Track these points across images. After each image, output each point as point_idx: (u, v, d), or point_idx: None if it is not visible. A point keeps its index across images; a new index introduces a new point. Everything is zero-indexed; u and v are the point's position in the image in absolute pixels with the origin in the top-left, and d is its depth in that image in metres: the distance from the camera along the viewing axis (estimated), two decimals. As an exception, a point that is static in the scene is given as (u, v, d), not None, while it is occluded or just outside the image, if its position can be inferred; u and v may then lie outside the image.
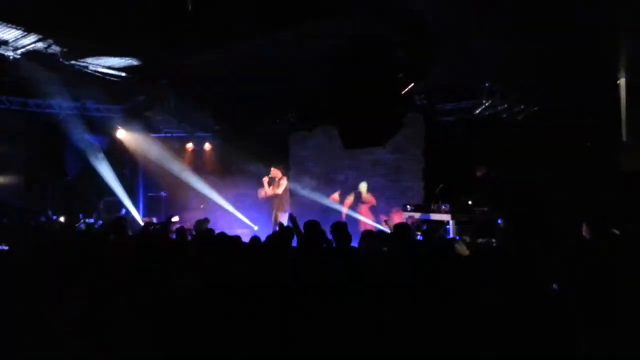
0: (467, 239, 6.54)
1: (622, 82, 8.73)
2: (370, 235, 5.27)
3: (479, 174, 9.75)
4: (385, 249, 4.97)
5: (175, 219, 6.16)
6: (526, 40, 7.23)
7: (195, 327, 3.34)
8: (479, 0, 6.15)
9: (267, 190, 10.62)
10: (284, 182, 10.85)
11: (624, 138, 8.84)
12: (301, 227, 6.34)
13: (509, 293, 3.52)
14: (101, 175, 12.36)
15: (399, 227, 5.57)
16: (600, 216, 6.49)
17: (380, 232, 6.16)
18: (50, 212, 9.76)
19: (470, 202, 9.05)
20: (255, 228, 12.31)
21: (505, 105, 9.45)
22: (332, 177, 13.20)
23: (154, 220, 11.61)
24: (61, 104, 11.61)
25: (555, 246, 5.03)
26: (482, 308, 3.15)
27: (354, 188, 12.73)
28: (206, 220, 7.16)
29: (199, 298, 3.77)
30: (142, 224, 6.10)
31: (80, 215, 10.57)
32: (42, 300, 3.44)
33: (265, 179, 10.73)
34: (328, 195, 12.58)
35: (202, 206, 13.74)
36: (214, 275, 4.17)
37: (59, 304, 3.56)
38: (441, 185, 9.57)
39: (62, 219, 9.63)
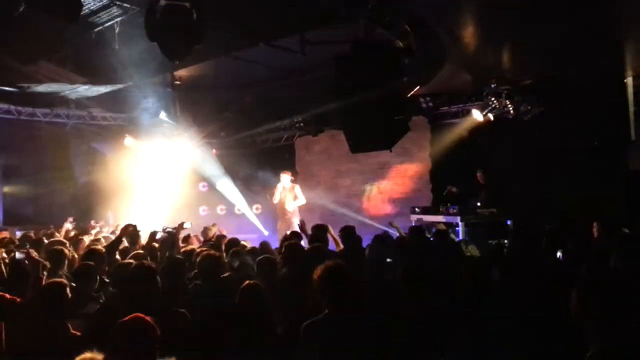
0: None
1: (629, 80, 8.71)
2: (380, 242, 5.25)
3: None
4: (389, 259, 4.91)
5: (187, 225, 6.15)
6: (532, 40, 7.22)
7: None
8: (483, 2, 6.16)
9: (282, 200, 10.39)
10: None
11: (632, 137, 8.81)
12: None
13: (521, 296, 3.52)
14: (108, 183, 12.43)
15: (414, 231, 5.59)
16: (611, 215, 6.48)
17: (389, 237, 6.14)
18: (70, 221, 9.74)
19: (478, 204, 9.04)
20: (266, 233, 12.32)
21: (511, 106, 9.43)
22: (337, 181, 13.21)
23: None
24: (69, 113, 11.68)
25: (564, 246, 5.01)
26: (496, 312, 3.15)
27: (362, 192, 12.76)
28: (214, 226, 7.17)
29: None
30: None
31: (92, 222, 10.59)
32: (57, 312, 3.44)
33: (278, 188, 10.54)
34: (335, 199, 12.63)
35: (207, 211, 13.83)
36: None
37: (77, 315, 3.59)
38: (451, 188, 9.55)
39: (68, 226, 9.60)
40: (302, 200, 10.52)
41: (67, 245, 5.77)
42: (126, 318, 2.58)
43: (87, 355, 2.16)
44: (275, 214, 11.74)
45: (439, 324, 3.11)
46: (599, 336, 2.11)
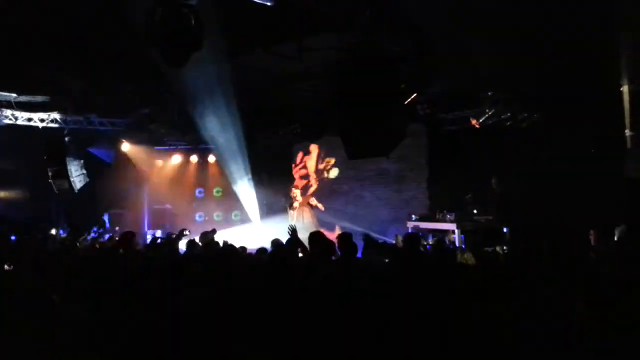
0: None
1: (625, 89, 8.73)
2: (375, 246, 5.26)
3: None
4: (387, 260, 4.93)
5: (187, 232, 6.15)
6: (530, 48, 7.25)
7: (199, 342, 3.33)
8: (479, 11, 6.18)
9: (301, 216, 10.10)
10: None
11: (628, 145, 8.82)
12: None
13: (515, 302, 3.51)
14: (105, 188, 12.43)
15: (409, 238, 5.58)
16: (607, 223, 6.49)
17: (385, 243, 6.14)
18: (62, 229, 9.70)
19: (475, 211, 9.03)
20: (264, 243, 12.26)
21: (509, 114, 9.45)
22: (335, 187, 13.20)
23: (159, 233, 11.60)
24: (66, 118, 11.68)
25: (562, 253, 5.01)
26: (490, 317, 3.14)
27: (359, 199, 12.75)
28: (213, 232, 7.15)
29: (205, 312, 3.77)
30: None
31: (94, 228, 10.55)
32: (46, 318, 3.42)
33: (294, 207, 10.25)
34: (331, 206, 12.59)
35: (203, 218, 13.84)
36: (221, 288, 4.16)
37: (64, 320, 3.55)
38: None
39: (55, 232, 9.55)
40: (320, 206, 10.33)
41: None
42: None
43: None
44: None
45: (438, 331, 3.10)
46: (604, 340, 2.11)
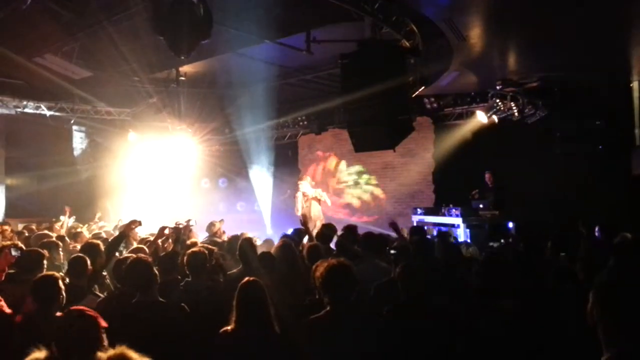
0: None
1: (635, 85, 8.67)
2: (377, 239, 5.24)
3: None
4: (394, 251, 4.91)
5: (192, 222, 6.15)
6: (538, 42, 7.20)
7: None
8: (490, 5, 6.14)
9: (307, 208, 9.90)
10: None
11: (637, 142, 8.77)
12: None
13: (523, 297, 3.51)
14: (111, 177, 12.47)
15: (417, 230, 5.59)
16: (614, 219, 6.46)
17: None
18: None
19: (481, 206, 9.01)
20: (270, 232, 12.29)
21: (516, 109, 9.39)
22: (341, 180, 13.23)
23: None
24: (73, 107, 11.70)
25: (567, 249, 5.00)
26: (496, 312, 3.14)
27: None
28: (221, 222, 7.20)
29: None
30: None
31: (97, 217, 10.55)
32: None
33: (298, 197, 10.05)
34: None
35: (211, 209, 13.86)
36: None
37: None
38: (476, 191, 9.51)
39: (63, 218, 9.56)
40: (328, 201, 10.21)
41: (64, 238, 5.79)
42: (68, 310, 2.66)
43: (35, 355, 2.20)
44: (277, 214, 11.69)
45: (442, 325, 3.10)
46: (615, 339, 2.09)
